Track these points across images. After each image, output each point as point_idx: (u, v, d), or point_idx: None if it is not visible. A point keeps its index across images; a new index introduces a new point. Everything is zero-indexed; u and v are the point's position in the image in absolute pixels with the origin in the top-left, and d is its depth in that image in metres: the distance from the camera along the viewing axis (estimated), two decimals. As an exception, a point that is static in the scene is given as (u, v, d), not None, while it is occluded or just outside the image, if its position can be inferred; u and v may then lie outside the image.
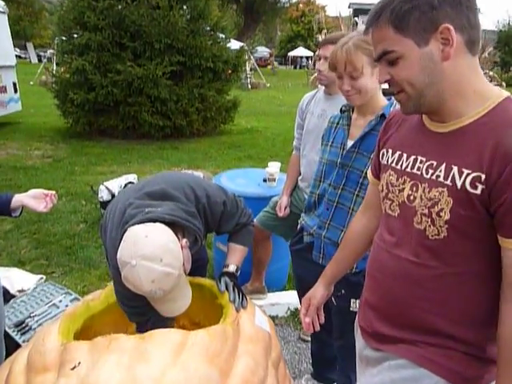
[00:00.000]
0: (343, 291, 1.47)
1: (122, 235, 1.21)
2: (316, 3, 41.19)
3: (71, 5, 7.05)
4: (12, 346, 2.03)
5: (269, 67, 30.80)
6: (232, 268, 1.50)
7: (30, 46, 29.17)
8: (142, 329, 1.25)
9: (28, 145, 6.79)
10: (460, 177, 0.85)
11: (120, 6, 6.73)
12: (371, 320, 1.06)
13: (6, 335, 2.09)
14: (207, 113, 7.63)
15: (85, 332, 1.33)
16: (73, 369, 1.03)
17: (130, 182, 3.87)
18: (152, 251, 1.11)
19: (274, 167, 2.65)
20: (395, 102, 1.50)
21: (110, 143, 7.13)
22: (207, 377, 1.02)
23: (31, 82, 16.11)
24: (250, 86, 17.36)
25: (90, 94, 6.81)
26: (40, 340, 1.17)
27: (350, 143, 1.52)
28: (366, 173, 1.44)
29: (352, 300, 1.50)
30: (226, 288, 1.39)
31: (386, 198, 1.03)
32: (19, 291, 2.62)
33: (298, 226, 1.75)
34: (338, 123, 1.62)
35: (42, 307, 2.25)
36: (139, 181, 1.56)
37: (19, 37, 34.59)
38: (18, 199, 1.49)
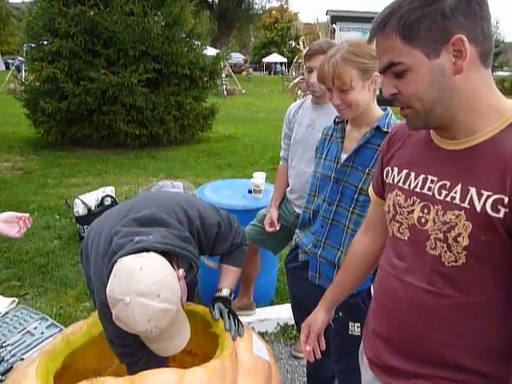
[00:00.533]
0: (340, 314, 1.40)
1: (111, 268, 1.09)
2: (289, 10, 41.62)
3: (40, 11, 6.81)
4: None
5: (244, 73, 30.87)
6: (225, 292, 1.40)
7: (-4, 52, 28.20)
8: (133, 368, 1.14)
9: (-4, 156, 6.49)
10: (479, 199, 0.79)
11: (92, 12, 6.55)
12: (381, 352, 0.98)
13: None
14: (184, 120, 7.50)
15: (66, 370, 1.21)
16: (54, 420, 0.92)
17: (107, 196, 3.72)
18: (148, 286, 1.00)
19: (259, 178, 2.57)
20: (390, 112, 1.45)
21: (83, 153, 6.90)
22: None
23: (-1, 90, 15.54)
24: (225, 93, 17.29)
25: (62, 103, 6.58)
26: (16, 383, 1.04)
27: (344, 157, 1.45)
28: (360, 188, 1.38)
29: (350, 323, 1.44)
30: (221, 315, 1.29)
31: (394, 220, 0.96)
32: (-11, 316, 2.45)
33: (293, 242, 1.68)
34: (331, 135, 1.55)
35: (15, 335, 2.09)
36: (123, 203, 1.43)
37: (-15, 43, 33.52)
38: None
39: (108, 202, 3.71)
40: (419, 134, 0.96)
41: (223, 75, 16.75)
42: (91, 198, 3.64)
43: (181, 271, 1.13)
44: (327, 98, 1.49)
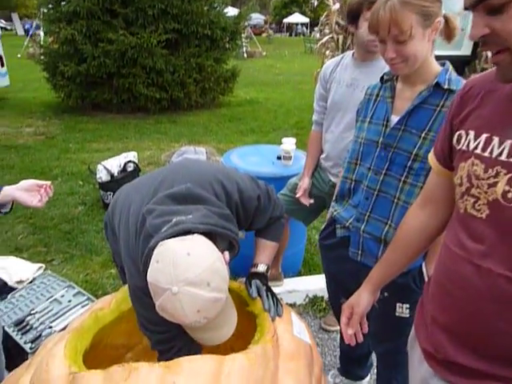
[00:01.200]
0: (386, 294, 1.28)
1: (149, 252, 0.98)
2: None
3: (56, -31, 6.56)
4: (14, 348, 1.86)
5: (264, 35, 29.81)
6: (262, 268, 1.29)
7: (15, 16, 27.83)
8: (165, 355, 1.06)
9: (18, 122, 6.46)
10: None
11: (109, -31, 6.26)
12: (443, 345, 0.86)
13: (6, 335, 1.92)
14: (205, 83, 7.28)
15: (95, 347, 1.14)
16: (85, 407, 0.85)
17: (129, 161, 3.63)
18: (198, 274, 0.89)
19: (289, 144, 2.41)
20: (450, 67, 1.26)
21: (104, 118, 6.81)
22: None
23: (18, 55, 15.44)
24: (246, 55, 16.76)
25: (82, 66, 6.43)
26: (43, 365, 0.97)
27: (394, 119, 1.28)
28: (415, 155, 1.22)
29: (398, 304, 1.31)
30: (258, 293, 1.19)
31: (468, 195, 0.81)
32: (18, 282, 2.44)
33: (328, 216, 1.54)
34: (378, 95, 1.37)
35: (42, 303, 2.07)
36: (151, 173, 1.29)
37: (3, 7, 33.20)
38: (8, 193, 1.27)
39: (130, 167, 3.63)
40: (503, 89, 0.79)
41: (243, 37, 16.18)
42: (114, 164, 3.57)
43: (226, 254, 1.02)
44: (378, 52, 1.30)
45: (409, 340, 1.06)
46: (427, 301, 0.94)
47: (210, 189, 1.13)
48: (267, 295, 1.17)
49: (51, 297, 2.09)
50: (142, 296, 1.02)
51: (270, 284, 2.58)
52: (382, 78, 1.36)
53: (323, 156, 1.99)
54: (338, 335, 2.26)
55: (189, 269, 0.89)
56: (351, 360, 1.83)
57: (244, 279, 1.27)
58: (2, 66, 7.90)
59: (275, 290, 2.48)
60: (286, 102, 8.18)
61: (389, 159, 1.27)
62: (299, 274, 2.72)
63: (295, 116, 6.99)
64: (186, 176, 1.16)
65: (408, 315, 1.31)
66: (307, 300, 2.47)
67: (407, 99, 1.27)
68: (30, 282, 2.41)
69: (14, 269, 2.57)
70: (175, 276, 0.89)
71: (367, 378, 1.93)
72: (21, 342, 1.83)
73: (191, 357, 0.89)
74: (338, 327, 2.31)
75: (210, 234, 1.01)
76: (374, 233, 1.30)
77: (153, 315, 0.99)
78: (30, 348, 1.79)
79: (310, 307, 2.44)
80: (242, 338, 1.36)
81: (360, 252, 1.34)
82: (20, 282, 2.46)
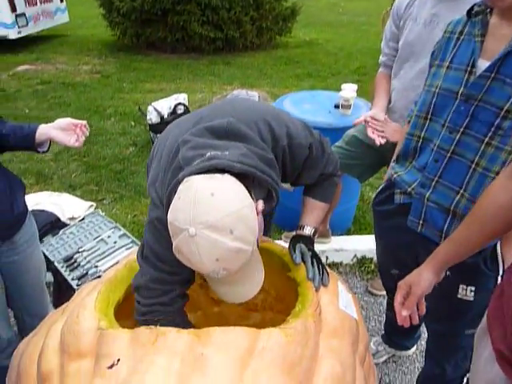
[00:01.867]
0: (448, 273, 1.11)
1: (174, 186, 0.88)
2: None
3: None
4: (63, 284, 1.94)
5: (329, -31, 27.47)
6: (308, 231, 1.17)
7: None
8: (148, 299, 0.97)
9: (76, 59, 6.53)
10: None
11: None
12: None
13: (56, 271, 1.99)
14: (262, 22, 6.86)
15: (127, 299, 1.11)
16: (110, 367, 0.80)
17: (179, 104, 3.54)
18: (220, 218, 0.77)
19: (349, 90, 2.17)
20: None
21: (158, 58, 6.71)
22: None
23: (79, -10, 15.45)
24: (307, -8, 15.59)
25: (136, 2, 6.25)
26: (74, 316, 0.94)
27: (483, 64, 1.04)
28: (507, 111, 0.99)
29: (461, 286, 1.14)
30: (303, 259, 1.08)
31: None
32: (70, 219, 2.52)
33: (386, 178, 1.35)
34: (462, 33, 1.11)
35: (90, 242, 2.11)
36: (195, 111, 1.17)
37: None
38: (44, 131, 1.21)
39: (181, 110, 3.54)
40: None
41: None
42: (164, 106, 3.50)
43: (260, 203, 0.89)
44: None
45: (477, 331, 0.91)
46: (511, 294, 0.78)
47: (255, 128, 0.98)
48: (312, 262, 1.05)
49: (98, 236, 2.13)
50: (162, 229, 0.93)
51: (316, 240, 2.48)
52: (469, 11, 1.10)
53: (389, 106, 1.74)
54: (385, 300, 2.15)
55: (210, 211, 0.78)
56: (397, 329, 1.71)
57: (288, 233, 1.14)
58: (62, 1, 7.90)
59: (321, 247, 2.40)
60: (348, 45, 7.58)
61: (470, 114, 1.04)
62: (348, 233, 2.58)
63: (357, 60, 6.47)
64: (230, 111, 1.02)
65: (472, 299, 1.14)
66: (355, 260, 2.35)
67: (504, 38, 1.01)
68: (81, 219, 2.48)
69: (67, 205, 2.65)
70: (194, 216, 0.78)
71: (413, 349, 1.82)
72: (69, 279, 1.89)
73: (225, 328, 0.81)
74: (385, 292, 2.19)
75: (245, 177, 0.88)
76: (440, 202, 1.11)
77: (164, 251, 0.92)
78: (77, 285, 1.84)
79: (358, 268, 2.32)
80: (280, 300, 1.28)
81: (421, 222, 1.16)
82: (72, 218, 2.54)
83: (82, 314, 0.94)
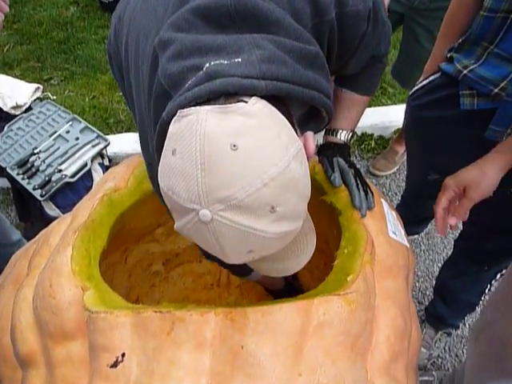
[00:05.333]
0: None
1: (162, 127, 0.52)
2: None
3: None
4: (25, 192, 1.63)
5: None
6: (344, 136, 0.86)
7: None
8: None
9: None
10: None
11: None
12: None
13: (12, 180, 1.66)
14: None
15: (114, 239, 0.85)
16: (114, 366, 0.58)
17: None
18: (253, 192, 0.43)
19: None
20: None
21: None
22: (355, 380, 0.58)
23: None
24: None
25: None
26: (46, 285, 0.68)
27: None
28: None
29: None
30: (343, 180, 0.81)
31: None
32: (13, 108, 2.07)
33: (432, 66, 0.99)
34: None
35: (46, 140, 1.74)
36: None
37: None
38: None
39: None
40: None
41: None
42: None
43: (311, 139, 0.55)
44: None
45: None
46: None
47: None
48: (357, 183, 0.79)
49: (54, 132, 1.75)
50: (153, 169, 0.62)
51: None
52: None
53: None
54: (388, 181, 1.99)
55: (234, 179, 0.43)
56: (409, 216, 1.57)
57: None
58: None
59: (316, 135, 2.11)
60: None
61: None
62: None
63: None
64: None
65: None
66: (354, 138, 2.10)
67: None
68: (27, 109, 2.04)
69: (7, 90, 2.16)
70: (206, 190, 0.44)
71: (421, 234, 1.74)
72: (29, 188, 1.58)
73: (266, 307, 0.57)
74: (388, 172, 2.02)
75: (278, 99, 0.52)
76: None
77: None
78: (41, 195, 1.55)
79: (357, 146, 2.10)
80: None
81: (509, 131, 0.86)
82: (16, 107, 2.08)
83: (57, 283, 0.69)
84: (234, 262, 0.50)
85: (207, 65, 0.51)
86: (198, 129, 0.44)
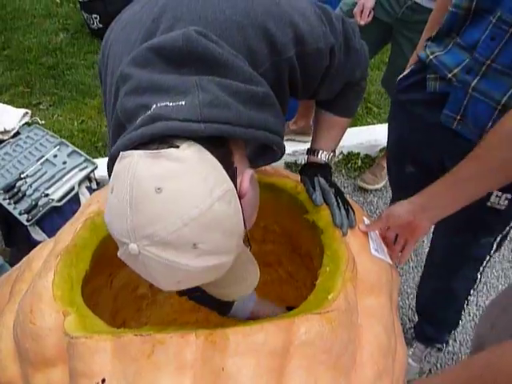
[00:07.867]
0: None
1: (110, 161, 0.56)
2: None
3: None
4: (9, 216, 1.62)
5: None
6: (325, 157, 0.87)
7: None
8: None
9: None
10: None
11: None
12: None
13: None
14: None
15: (98, 263, 0.84)
16: (93, 392, 0.58)
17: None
18: (174, 230, 0.47)
19: None
20: None
21: None
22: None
23: None
24: None
25: None
26: (27, 311, 0.68)
27: None
28: None
29: (495, 193, 0.94)
30: (324, 199, 0.82)
31: None
32: (2, 133, 2.08)
33: (414, 58, 1.07)
34: None
35: (33, 164, 1.74)
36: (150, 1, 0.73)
37: None
38: None
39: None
40: None
41: None
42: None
43: (247, 176, 0.56)
44: None
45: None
46: None
47: (239, 38, 0.60)
48: (338, 202, 0.80)
49: (42, 157, 1.75)
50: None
51: (296, 138, 2.20)
52: None
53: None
54: (375, 198, 2.01)
55: (156, 218, 0.47)
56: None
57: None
58: None
59: (303, 146, 2.15)
60: None
61: None
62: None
63: None
64: (198, 11, 0.61)
65: (503, 207, 0.98)
66: (341, 157, 2.14)
67: None
68: (15, 134, 2.05)
69: (-4, 116, 2.17)
70: (133, 227, 0.48)
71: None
72: (15, 213, 1.57)
73: (248, 328, 0.57)
74: (376, 186, 2.03)
75: (221, 140, 0.55)
76: (490, 92, 0.84)
77: None
78: (27, 220, 1.54)
79: (344, 165, 2.13)
80: (287, 237, 1.06)
81: (458, 117, 0.90)
82: (4, 132, 2.09)
83: (37, 309, 0.68)
84: (169, 290, 0.54)
85: (154, 106, 0.55)
86: (130, 171, 0.49)
